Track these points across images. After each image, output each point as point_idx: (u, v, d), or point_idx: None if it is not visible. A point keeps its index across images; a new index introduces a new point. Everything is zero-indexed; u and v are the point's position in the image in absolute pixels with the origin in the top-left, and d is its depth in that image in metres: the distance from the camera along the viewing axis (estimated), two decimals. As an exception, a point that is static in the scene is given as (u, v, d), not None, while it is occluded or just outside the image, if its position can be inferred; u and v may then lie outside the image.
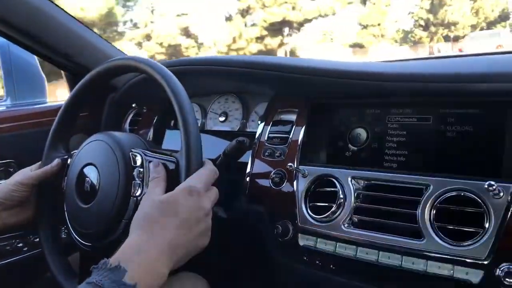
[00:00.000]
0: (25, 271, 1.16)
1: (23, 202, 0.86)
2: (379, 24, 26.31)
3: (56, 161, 0.89)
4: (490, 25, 26.35)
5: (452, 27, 25.71)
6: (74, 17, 1.23)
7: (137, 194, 0.75)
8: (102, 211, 0.77)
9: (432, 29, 26.57)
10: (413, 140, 0.86)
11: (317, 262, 0.83)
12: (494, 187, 0.66)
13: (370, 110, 0.92)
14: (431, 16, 25.96)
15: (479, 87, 0.74)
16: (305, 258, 0.84)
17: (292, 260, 0.86)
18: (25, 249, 1.22)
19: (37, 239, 1.25)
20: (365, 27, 26.66)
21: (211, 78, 1.15)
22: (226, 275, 1.08)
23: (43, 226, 0.89)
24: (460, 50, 14.70)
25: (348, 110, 0.96)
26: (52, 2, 1.16)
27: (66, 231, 1.23)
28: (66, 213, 0.85)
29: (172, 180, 0.76)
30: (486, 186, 0.66)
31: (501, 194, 0.67)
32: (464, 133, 0.81)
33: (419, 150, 0.85)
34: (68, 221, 0.84)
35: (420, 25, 27.14)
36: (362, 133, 0.93)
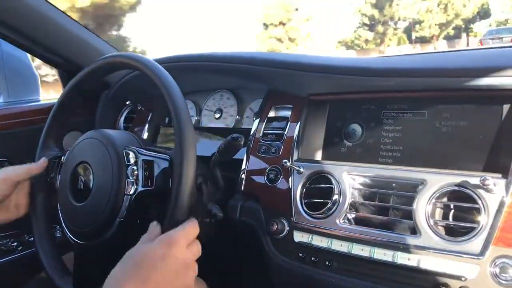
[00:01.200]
0: (20, 270, 1.15)
1: (1, 200, 0.85)
2: (282, 24, 19.49)
3: (42, 160, 0.88)
4: (469, 23, 23.07)
5: (417, 26, 21.14)
6: (66, 14, 1.22)
7: (131, 192, 0.74)
8: (96, 209, 0.77)
9: (380, 29, 21.01)
10: (408, 135, 0.85)
11: (312, 258, 0.82)
12: (488, 181, 0.65)
13: (365, 106, 0.92)
14: (376, 12, 20.32)
15: (475, 81, 0.74)
16: (300, 254, 0.84)
17: (287, 257, 0.86)
18: (20, 248, 1.21)
19: (32, 238, 1.25)
20: (266, 27, 20.26)
21: (205, 75, 1.14)
22: (223, 274, 1.08)
23: (37, 225, 0.89)
24: (481, 44, 14.70)
25: (343, 106, 0.95)
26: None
27: (60, 230, 1.23)
28: (59, 211, 0.84)
29: (166, 176, 0.75)
30: (481, 180, 0.66)
31: (496, 189, 0.67)
32: (459, 128, 0.80)
33: (415, 145, 0.84)
34: (62, 219, 0.84)
35: (365, 24, 21.81)
36: (357, 128, 0.92)
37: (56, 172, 0.88)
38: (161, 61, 0.96)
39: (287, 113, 0.98)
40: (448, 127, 0.81)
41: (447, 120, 0.82)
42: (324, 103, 0.97)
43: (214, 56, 1.05)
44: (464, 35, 23.71)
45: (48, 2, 1.16)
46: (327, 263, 0.81)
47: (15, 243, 1.21)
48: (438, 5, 21.18)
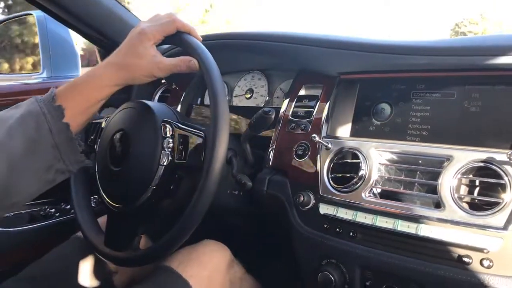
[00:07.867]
0: (57, 234, 1.22)
1: None
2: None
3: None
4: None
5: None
6: None
7: (165, 163, 0.78)
8: (131, 175, 0.81)
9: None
10: (437, 115, 0.87)
11: (337, 229, 0.85)
12: (515, 156, 0.66)
13: (395, 86, 0.93)
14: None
15: (505, 60, 0.74)
16: (325, 226, 0.86)
17: (312, 228, 0.88)
18: (57, 214, 1.28)
19: (68, 206, 1.31)
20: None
21: (238, 54, 1.17)
22: (248, 242, 1.11)
23: (74, 181, 0.95)
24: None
25: (373, 85, 0.97)
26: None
27: (95, 200, 1.29)
28: (96, 173, 0.89)
29: (198, 151, 0.80)
30: (508, 155, 0.67)
31: None
32: (488, 108, 0.81)
33: (442, 125, 0.85)
34: (98, 181, 0.88)
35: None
36: (386, 108, 0.94)
37: (96, 135, 0.93)
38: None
39: (317, 92, 1.00)
40: (477, 107, 0.82)
41: (476, 100, 0.83)
42: (354, 82, 0.99)
43: (247, 34, 1.08)
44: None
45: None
46: (351, 234, 0.83)
47: (53, 210, 1.29)
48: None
